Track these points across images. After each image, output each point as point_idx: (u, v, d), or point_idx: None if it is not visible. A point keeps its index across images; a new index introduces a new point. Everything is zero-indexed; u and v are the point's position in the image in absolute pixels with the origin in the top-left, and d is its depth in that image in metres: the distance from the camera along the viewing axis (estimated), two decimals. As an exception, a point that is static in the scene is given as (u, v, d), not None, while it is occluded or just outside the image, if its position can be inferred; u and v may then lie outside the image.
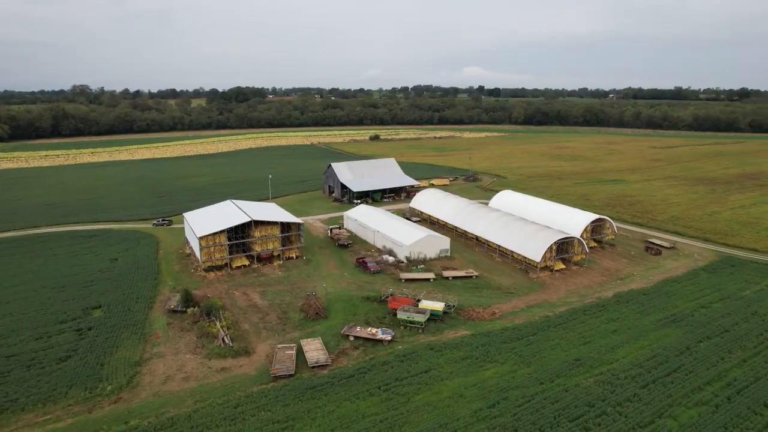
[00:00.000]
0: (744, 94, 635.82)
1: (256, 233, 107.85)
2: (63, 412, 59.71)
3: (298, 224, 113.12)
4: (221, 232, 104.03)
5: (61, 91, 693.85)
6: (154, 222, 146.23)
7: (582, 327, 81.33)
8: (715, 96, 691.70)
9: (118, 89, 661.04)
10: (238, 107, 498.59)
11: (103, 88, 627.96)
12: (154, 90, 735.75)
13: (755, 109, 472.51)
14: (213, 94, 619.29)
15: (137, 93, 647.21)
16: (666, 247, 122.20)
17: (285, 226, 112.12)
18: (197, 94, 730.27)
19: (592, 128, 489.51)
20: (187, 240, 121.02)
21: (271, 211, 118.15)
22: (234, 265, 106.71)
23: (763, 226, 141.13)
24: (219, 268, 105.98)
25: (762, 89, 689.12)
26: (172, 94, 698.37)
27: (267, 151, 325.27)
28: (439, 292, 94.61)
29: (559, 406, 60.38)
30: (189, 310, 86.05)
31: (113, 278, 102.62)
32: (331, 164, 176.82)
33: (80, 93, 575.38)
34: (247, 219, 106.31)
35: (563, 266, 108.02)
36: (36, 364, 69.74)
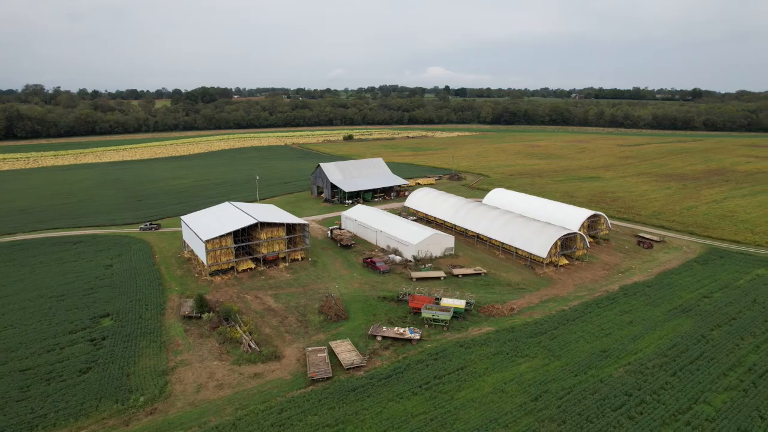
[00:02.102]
0: (696, 95, 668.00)
1: (262, 235, 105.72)
2: (98, 426, 56.89)
3: (303, 225, 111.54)
4: (228, 234, 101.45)
5: (11, 91, 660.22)
6: (142, 226, 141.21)
7: (599, 320, 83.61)
8: (670, 96, 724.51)
9: (73, 89, 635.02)
10: (205, 108, 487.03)
11: (59, 87, 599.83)
12: (112, 90, 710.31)
13: (708, 109, 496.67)
14: (177, 94, 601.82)
15: (96, 93, 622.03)
16: (656, 241, 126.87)
17: (290, 228, 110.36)
18: (160, 94, 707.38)
19: (558, 127, 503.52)
20: (185, 243, 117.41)
21: (273, 213, 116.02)
22: (240, 269, 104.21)
23: (739, 219, 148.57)
24: (224, 271, 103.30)
25: (712, 90, 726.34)
26: (134, 94, 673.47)
27: (241, 153, 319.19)
28: (453, 289, 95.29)
29: (598, 397, 61.95)
30: (204, 316, 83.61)
31: (114, 285, 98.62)
32: (320, 164, 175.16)
33: (34, 93, 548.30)
34: (253, 221, 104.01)
35: (566, 261, 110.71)
36: (55, 377, 66.21)
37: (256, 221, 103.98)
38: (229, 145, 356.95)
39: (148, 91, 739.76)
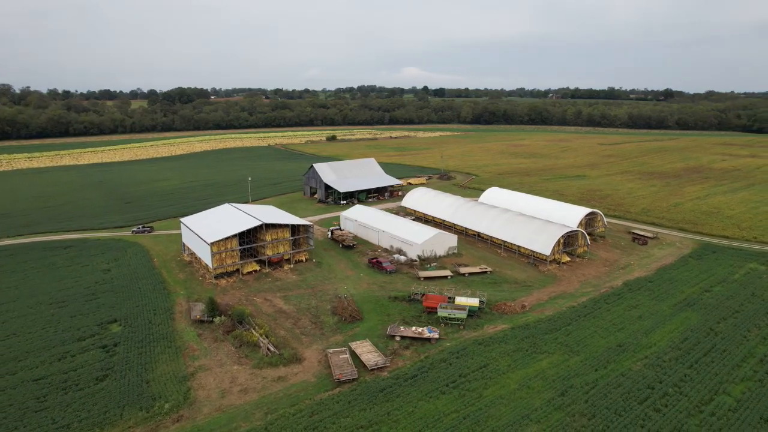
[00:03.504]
0: (668, 95, 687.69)
1: (267, 237, 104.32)
2: (125, 435, 55.34)
3: (307, 226, 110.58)
4: (233, 236, 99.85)
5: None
6: (134, 229, 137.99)
7: (609, 315, 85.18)
8: (643, 96, 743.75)
9: (42, 89, 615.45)
10: (183, 108, 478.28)
11: (29, 87, 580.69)
12: (84, 90, 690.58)
13: (680, 109, 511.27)
14: (153, 95, 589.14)
15: (67, 94, 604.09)
16: (650, 238, 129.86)
17: (294, 229, 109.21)
18: (134, 95, 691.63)
19: (537, 126, 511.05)
20: (185, 246, 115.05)
21: (276, 214, 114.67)
22: (245, 271, 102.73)
23: (725, 215, 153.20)
24: (229, 274, 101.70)
25: (683, 90, 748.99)
26: (107, 95, 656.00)
27: (225, 154, 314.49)
28: (461, 288, 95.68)
29: (623, 390, 63.12)
30: (216, 320, 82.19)
31: (115, 290, 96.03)
32: (314, 165, 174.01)
33: (2, 93, 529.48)
34: (258, 222, 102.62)
35: (568, 259, 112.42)
36: (72, 386, 64.06)
37: (261, 223, 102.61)
38: (211, 146, 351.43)
39: (121, 91, 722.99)
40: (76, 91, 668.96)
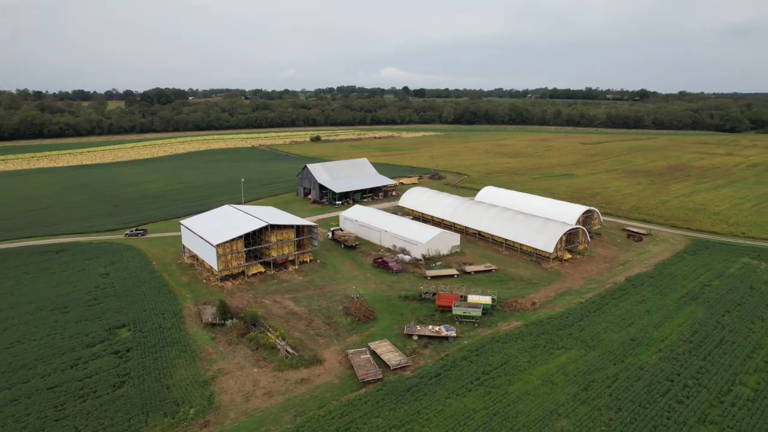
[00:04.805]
0: (643, 95, 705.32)
1: (273, 238, 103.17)
2: (154, 442, 54.01)
3: (311, 227, 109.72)
4: (239, 238, 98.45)
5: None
6: (127, 232, 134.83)
7: (618, 310, 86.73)
8: (620, 96, 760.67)
9: (12, 90, 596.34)
10: (162, 109, 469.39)
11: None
12: (56, 91, 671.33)
13: (655, 109, 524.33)
14: (129, 95, 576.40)
15: (39, 94, 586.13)
16: (644, 234, 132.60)
17: (298, 230, 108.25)
18: (110, 95, 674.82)
19: (518, 126, 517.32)
20: (185, 248, 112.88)
21: (279, 215, 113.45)
22: (250, 273, 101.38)
23: (712, 212, 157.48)
24: (234, 276, 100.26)
25: (657, 90, 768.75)
26: (81, 95, 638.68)
27: (210, 155, 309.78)
28: (468, 287, 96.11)
29: (643, 384, 64.34)
30: (228, 322, 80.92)
31: (118, 294, 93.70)
32: (307, 165, 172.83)
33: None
34: (263, 223, 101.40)
35: (570, 256, 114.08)
36: (89, 393, 62.23)
37: (266, 224, 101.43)
38: (193, 147, 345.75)
39: (96, 92, 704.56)
40: (47, 92, 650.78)
